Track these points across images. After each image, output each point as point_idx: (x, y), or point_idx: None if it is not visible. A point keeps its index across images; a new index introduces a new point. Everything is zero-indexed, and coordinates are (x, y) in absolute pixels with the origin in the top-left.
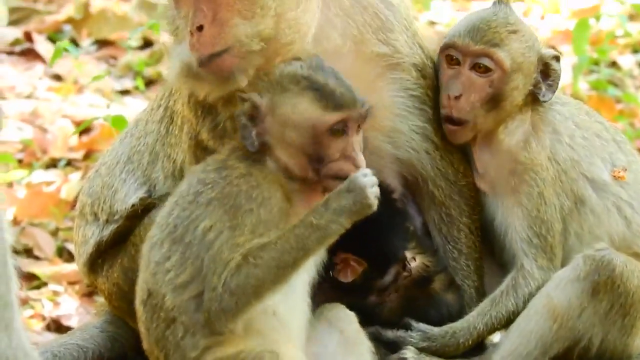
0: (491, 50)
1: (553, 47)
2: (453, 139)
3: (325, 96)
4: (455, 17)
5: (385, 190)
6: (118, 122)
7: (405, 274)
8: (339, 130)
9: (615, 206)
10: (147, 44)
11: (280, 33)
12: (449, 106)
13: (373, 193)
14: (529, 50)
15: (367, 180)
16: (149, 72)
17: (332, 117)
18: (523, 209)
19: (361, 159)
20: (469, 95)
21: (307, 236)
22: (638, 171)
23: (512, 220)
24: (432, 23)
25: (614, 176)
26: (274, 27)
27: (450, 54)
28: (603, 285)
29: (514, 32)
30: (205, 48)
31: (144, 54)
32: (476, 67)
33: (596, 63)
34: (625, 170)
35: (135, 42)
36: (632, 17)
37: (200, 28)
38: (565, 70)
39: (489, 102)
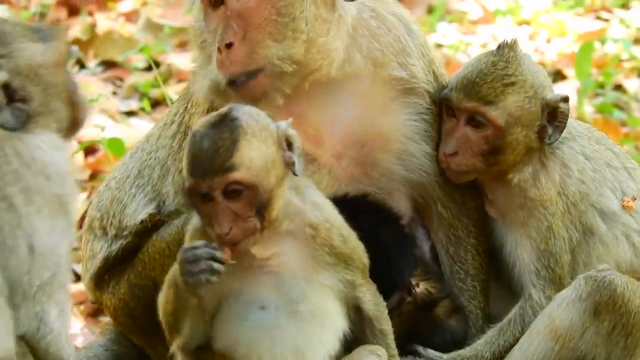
0: (483, 109)
1: (559, 71)
2: (455, 180)
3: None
4: (461, 39)
5: (393, 216)
6: (114, 145)
7: (409, 299)
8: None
9: (624, 235)
10: (152, 65)
11: (310, 58)
12: (446, 162)
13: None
14: (529, 101)
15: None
16: (155, 93)
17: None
18: (532, 242)
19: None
20: (466, 151)
21: None
22: None
23: (520, 251)
24: (438, 45)
25: (624, 205)
26: (305, 52)
27: (448, 105)
28: (605, 306)
29: (512, 84)
30: (235, 66)
31: (149, 75)
32: (471, 122)
33: (602, 86)
34: (635, 199)
35: (141, 63)
36: (637, 41)
37: (229, 45)
38: (571, 93)
39: (487, 155)
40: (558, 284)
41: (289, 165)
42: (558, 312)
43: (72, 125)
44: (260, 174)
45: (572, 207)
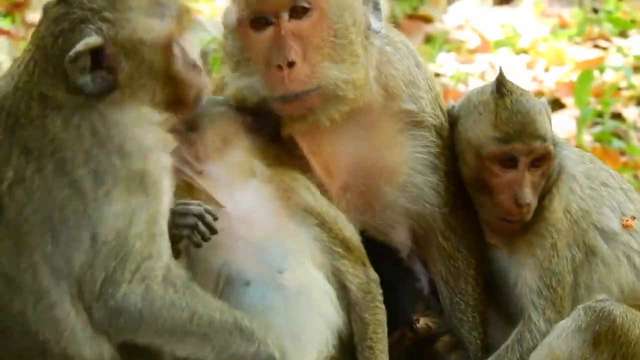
0: (545, 145)
1: (557, 99)
2: (503, 232)
3: None
4: (459, 69)
5: (392, 252)
6: None
7: (410, 335)
8: None
9: (625, 255)
10: None
11: (366, 85)
12: (520, 213)
13: None
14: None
15: None
16: None
17: None
18: (535, 260)
19: None
20: (534, 195)
21: None
22: None
23: (523, 271)
24: (437, 75)
25: (624, 225)
26: (365, 77)
27: (509, 157)
28: (604, 336)
29: (540, 111)
30: (297, 85)
31: None
32: (535, 164)
33: (600, 115)
34: (634, 218)
35: None
36: (636, 69)
37: (291, 64)
38: (569, 122)
39: (539, 190)
40: (559, 306)
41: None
42: (558, 342)
43: (178, 102)
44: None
45: (575, 225)
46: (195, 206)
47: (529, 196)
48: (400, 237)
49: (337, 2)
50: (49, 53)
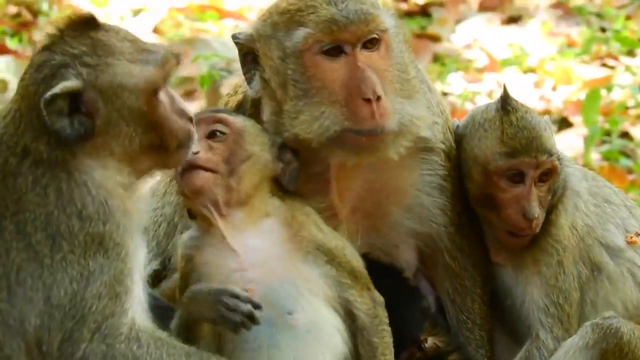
0: (552, 160)
1: (565, 118)
2: (511, 247)
3: None
4: (466, 88)
5: (396, 272)
6: None
7: (418, 355)
8: None
9: (630, 272)
10: None
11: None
12: (529, 227)
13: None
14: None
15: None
16: None
17: None
18: (542, 277)
19: None
20: (542, 209)
21: None
22: None
23: (530, 289)
24: (445, 94)
25: (628, 241)
26: (428, 111)
27: (516, 172)
28: (611, 353)
29: (546, 128)
30: (384, 120)
31: None
32: (542, 179)
33: (608, 134)
34: (639, 235)
35: None
36: None
37: (378, 98)
38: (577, 140)
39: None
40: (566, 324)
41: (278, 174)
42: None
43: (161, 150)
44: (247, 132)
45: (581, 242)
46: (245, 305)
47: (537, 210)
48: (407, 257)
49: (395, 36)
50: (32, 102)
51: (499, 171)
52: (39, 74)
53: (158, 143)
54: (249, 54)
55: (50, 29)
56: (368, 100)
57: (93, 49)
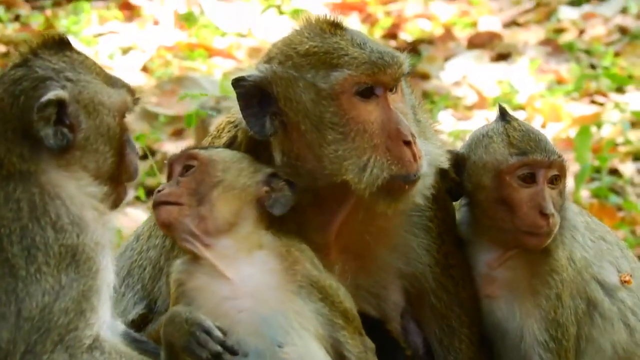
0: (562, 160)
1: None
2: (539, 247)
3: None
4: (456, 125)
5: (378, 323)
6: None
7: None
8: None
9: (620, 312)
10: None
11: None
12: (547, 224)
13: None
14: None
15: None
16: (151, 182)
17: None
18: (541, 311)
19: None
20: (556, 211)
21: None
22: (638, 279)
23: (530, 322)
24: (435, 132)
25: (622, 280)
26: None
27: (528, 172)
28: None
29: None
30: (420, 162)
31: (145, 164)
32: (552, 181)
33: (597, 171)
34: (631, 276)
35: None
36: (633, 125)
37: (407, 143)
38: (567, 178)
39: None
40: (564, 358)
41: (263, 198)
42: None
43: (114, 179)
44: (215, 162)
45: (579, 276)
46: (213, 344)
47: (552, 207)
48: (394, 298)
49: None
50: (7, 115)
51: (511, 170)
52: (17, 87)
53: (115, 170)
54: (255, 97)
55: (23, 48)
56: (408, 143)
57: (72, 66)
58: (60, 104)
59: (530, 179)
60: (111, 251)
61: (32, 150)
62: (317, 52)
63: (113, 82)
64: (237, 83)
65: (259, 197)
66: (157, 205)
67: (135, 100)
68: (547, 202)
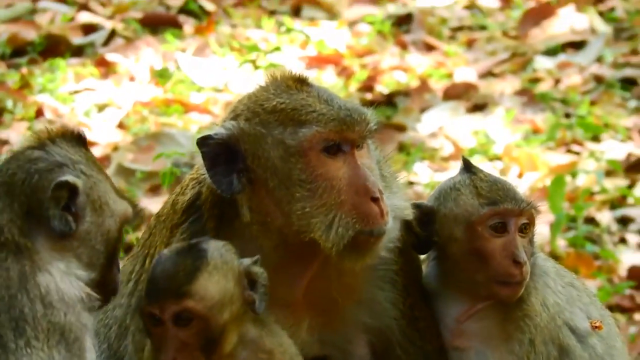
0: (533, 210)
1: None
2: (513, 299)
3: None
4: (433, 177)
5: None
6: None
7: None
8: None
9: (592, 359)
10: None
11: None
12: (520, 273)
13: None
14: None
15: None
16: (127, 238)
17: None
18: (514, 358)
19: None
20: (528, 259)
21: None
22: (608, 325)
23: None
24: (411, 183)
25: (593, 326)
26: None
27: (499, 221)
28: None
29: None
30: (386, 218)
31: None
32: (523, 229)
33: (573, 219)
34: (602, 322)
35: None
36: (608, 173)
37: (375, 199)
38: (543, 227)
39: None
40: None
41: (249, 303)
42: None
43: (97, 288)
44: (214, 308)
45: (552, 321)
46: None
47: (525, 256)
48: (360, 352)
49: None
50: (17, 189)
51: (483, 220)
52: (32, 165)
53: (102, 276)
54: (222, 154)
55: (41, 133)
56: (375, 200)
57: (87, 162)
58: (72, 190)
59: (501, 229)
60: (93, 335)
61: (31, 229)
62: (285, 108)
63: (119, 191)
64: (203, 142)
65: (248, 301)
66: None
67: (136, 215)
68: (520, 250)
